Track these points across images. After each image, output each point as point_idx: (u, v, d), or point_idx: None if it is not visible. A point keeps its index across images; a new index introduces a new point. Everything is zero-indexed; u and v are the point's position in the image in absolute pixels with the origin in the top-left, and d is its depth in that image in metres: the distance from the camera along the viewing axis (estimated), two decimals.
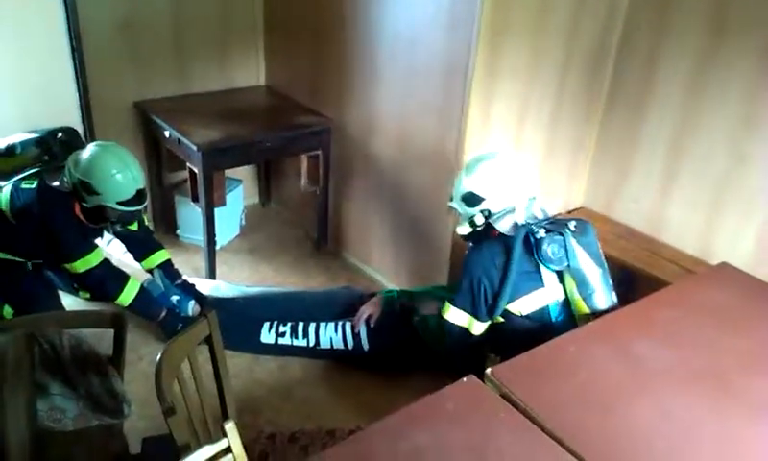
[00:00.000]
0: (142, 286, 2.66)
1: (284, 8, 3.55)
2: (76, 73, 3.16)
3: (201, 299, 2.85)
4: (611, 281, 2.18)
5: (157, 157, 3.53)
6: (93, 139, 3.26)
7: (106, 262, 2.58)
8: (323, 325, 2.72)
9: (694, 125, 2.74)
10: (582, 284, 2.09)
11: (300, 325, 2.75)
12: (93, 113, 3.26)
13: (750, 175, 2.60)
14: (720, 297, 2.03)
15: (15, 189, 2.53)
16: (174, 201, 3.62)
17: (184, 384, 1.53)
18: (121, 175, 2.45)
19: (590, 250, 2.13)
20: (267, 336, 2.75)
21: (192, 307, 2.78)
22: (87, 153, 2.47)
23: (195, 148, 2.96)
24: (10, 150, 2.66)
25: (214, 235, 3.22)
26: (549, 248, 2.06)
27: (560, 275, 2.14)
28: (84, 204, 2.48)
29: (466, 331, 2.18)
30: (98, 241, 2.67)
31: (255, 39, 3.71)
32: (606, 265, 2.18)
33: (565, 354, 1.69)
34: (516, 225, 2.12)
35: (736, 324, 1.88)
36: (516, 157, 2.23)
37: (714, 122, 2.67)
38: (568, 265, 2.09)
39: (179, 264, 3.39)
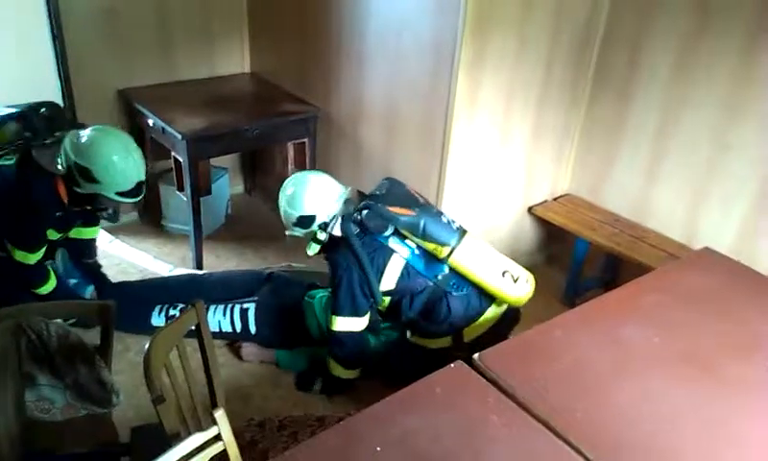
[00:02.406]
0: (57, 284, 2.66)
1: None
2: (57, 60, 3.11)
3: (102, 284, 2.90)
4: (435, 209, 2.41)
5: (142, 145, 3.42)
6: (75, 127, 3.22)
7: (39, 263, 2.56)
8: (212, 307, 2.74)
9: (679, 112, 2.76)
10: (413, 229, 2.29)
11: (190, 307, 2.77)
12: (76, 101, 3.22)
13: (733, 162, 2.63)
14: (703, 281, 2.06)
15: None
16: (159, 190, 3.60)
17: (173, 373, 1.53)
18: (124, 165, 2.36)
19: (401, 200, 2.34)
20: (157, 319, 2.77)
21: (90, 292, 2.85)
22: (89, 138, 2.36)
23: (180, 136, 2.93)
24: None
25: (200, 224, 3.20)
26: (370, 223, 2.29)
27: (401, 234, 2.35)
28: (78, 189, 2.41)
29: (353, 333, 2.39)
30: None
31: (240, 26, 3.68)
32: (420, 200, 2.38)
33: (552, 339, 1.70)
34: (342, 223, 2.34)
35: (719, 307, 1.92)
36: (318, 175, 2.46)
37: (699, 109, 2.69)
38: (396, 225, 2.31)
39: (165, 254, 3.39)
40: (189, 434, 1.34)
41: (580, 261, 3.10)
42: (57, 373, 1.78)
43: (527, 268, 3.34)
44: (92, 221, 2.88)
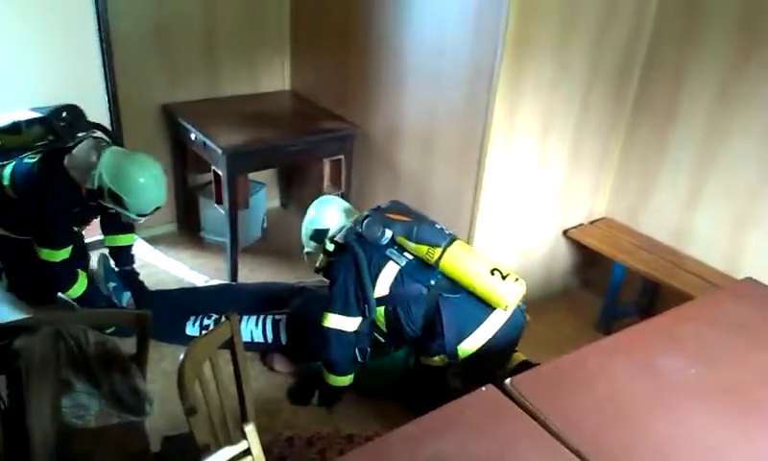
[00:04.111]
0: (88, 285, 2.79)
1: (311, 14, 3.58)
2: (105, 74, 3.22)
3: (139, 291, 3.00)
4: (430, 219, 2.47)
5: (183, 158, 3.58)
6: (122, 139, 3.32)
7: (66, 262, 2.71)
8: (245, 318, 2.78)
9: (721, 139, 2.71)
10: (408, 234, 2.37)
11: (224, 318, 2.79)
12: (122, 114, 3.32)
13: None
14: (745, 312, 1.99)
15: (18, 163, 2.64)
16: (198, 202, 3.67)
17: (205, 385, 1.55)
18: (152, 196, 2.63)
19: (400, 210, 2.47)
20: (192, 329, 2.82)
21: (127, 299, 2.93)
22: (125, 166, 2.59)
23: (220, 151, 2.99)
24: (15, 127, 2.68)
25: (237, 237, 3.25)
26: (369, 230, 2.38)
27: (399, 247, 2.42)
28: (102, 201, 2.63)
29: (342, 332, 2.44)
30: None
31: (282, 45, 3.75)
32: (417, 212, 2.50)
33: (586, 367, 1.67)
34: (345, 231, 2.47)
35: (761, 340, 1.85)
36: (334, 197, 2.70)
37: (743, 136, 2.64)
38: (392, 230, 2.39)
39: (201, 265, 3.45)
40: (219, 447, 1.35)
41: (616, 286, 3.04)
42: (93, 380, 1.82)
43: (562, 291, 3.35)
44: (127, 228, 2.99)
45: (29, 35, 3.06)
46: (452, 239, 2.36)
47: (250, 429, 1.35)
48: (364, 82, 3.27)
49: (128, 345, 1.94)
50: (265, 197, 3.89)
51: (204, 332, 2.77)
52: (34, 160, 2.63)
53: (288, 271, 3.46)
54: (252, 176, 3.59)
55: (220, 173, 3.11)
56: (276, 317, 2.78)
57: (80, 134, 2.72)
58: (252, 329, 2.75)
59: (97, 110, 3.23)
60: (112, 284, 2.97)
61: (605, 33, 2.76)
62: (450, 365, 2.35)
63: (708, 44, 2.69)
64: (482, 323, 2.34)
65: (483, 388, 1.55)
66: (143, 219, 2.73)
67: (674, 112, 2.87)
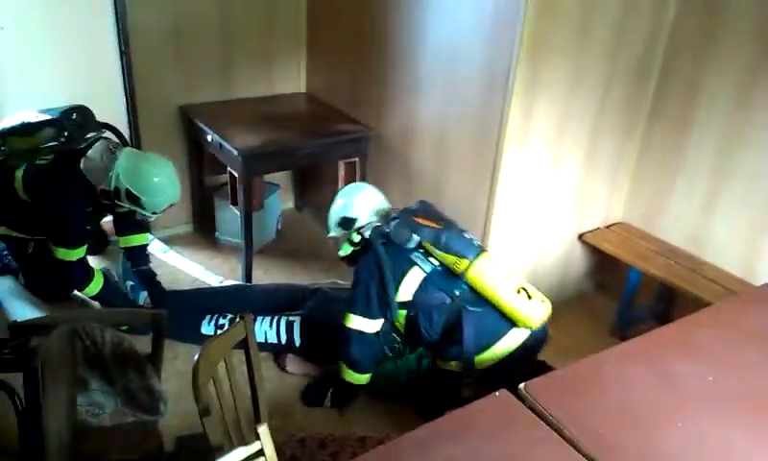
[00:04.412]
0: (104, 280, 2.83)
1: (327, 17, 3.60)
2: (123, 75, 3.26)
3: (156, 291, 3.03)
4: (458, 226, 2.46)
5: (199, 159, 3.60)
6: (139, 140, 3.36)
7: (81, 260, 2.74)
8: (259, 319, 2.78)
9: (739, 145, 2.68)
10: (436, 241, 2.36)
11: (238, 318, 2.80)
12: (139, 115, 3.36)
13: None
14: (763, 319, 1.96)
15: (30, 166, 2.66)
16: (214, 203, 3.69)
17: (219, 385, 1.56)
18: (167, 195, 2.71)
19: (428, 214, 2.45)
20: (207, 328, 2.83)
21: (143, 298, 2.97)
22: (141, 167, 2.66)
23: (236, 153, 3.01)
24: (26, 129, 2.70)
25: (251, 239, 3.26)
26: (397, 233, 2.38)
27: (426, 252, 2.41)
28: (118, 201, 2.67)
29: (364, 334, 2.44)
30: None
31: (298, 48, 3.76)
32: (447, 218, 2.48)
33: (601, 372, 1.66)
34: (371, 230, 2.47)
35: None
36: (371, 187, 2.64)
37: (760, 141, 2.61)
38: (420, 236, 2.37)
39: (216, 265, 3.47)
40: (233, 447, 1.36)
41: (632, 292, 3.01)
42: (109, 378, 1.83)
43: (576, 296, 3.33)
44: (141, 228, 3.04)
45: (48, 35, 3.11)
46: (480, 251, 2.34)
47: (263, 430, 1.35)
48: (379, 84, 3.28)
49: (143, 344, 1.95)
50: (280, 199, 3.91)
51: (219, 332, 2.79)
52: (46, 162, 2.66)
53: (302, 272, 3.47)
54: (266, 177, 3.60)
55: (236, 174, 3.13)
56: (291, 318, 2.78)
57: (90, 135, 2.76)
58: (266, 330, 2.76)
59: (115, 112, 3.28)
60: (130, 283, 3.02)
61: (622, 36, 2.74)
62: (465, 372, 2.34)
63: (725, 49, 2.66)
64: (503, 337, 2.34)
65: (496, 393, 1.54)
66: (155, 216, 2.80)
67: (691, 117, 2.84)
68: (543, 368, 2.34)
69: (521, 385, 1.56)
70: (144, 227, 3.07)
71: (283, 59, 3.74)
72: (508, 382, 1.60)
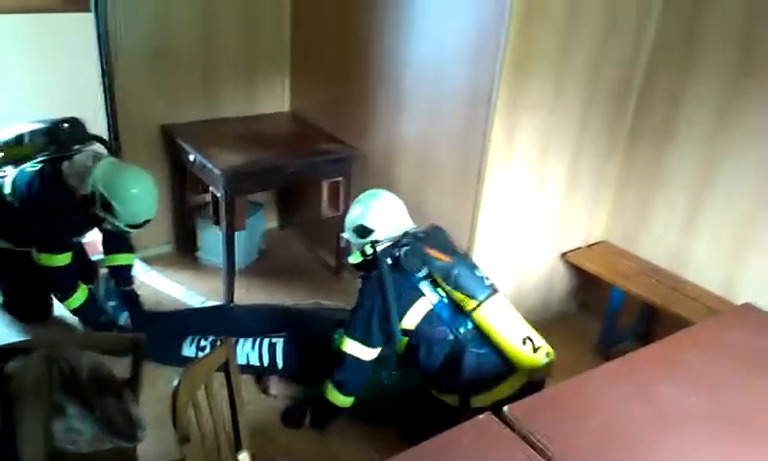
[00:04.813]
0: (89, 295, 2.80)
1: (311, 37, 3.61)
2: (105, 94, 3.24)
3: (137, 312, 2.99)
4: (471, 262, 2.42)
5: (181, 179, 3.58)
6: (120, 159, 3.31)
7: (66, 268, 2.71)
8: (241, 340, 2.74)
9: (719, 162, 2.72)
10: (446, 276, 2.30)
11: (221, 340, 2.78)
12: (121, 134, 3.33)
13: None
14: (744, 338, 1.98)
15: (20, 172, 2.69)
16: (195, 223, 3.66)
17: (199, 410, 1.53)
18: (141, 206, 2.64)
19: (441, 246, 2.37)
20: (188, 349, 2.79)
21: (124, 319, 2.93)
22: (118, 176, 2.62)
23: (218, 173, 2.99)
24: (19, 139, 2.77)
25: (234, 259, 3.24)
26: (406, 260, 2.32)
27: (434, 281, 2.36)
28: (93, 209, 2.63)
29: (359, 361, 2.39)
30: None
31: (282, 67, 3.77)
32: (459, 251, 2.42)
33: (585, 394, 1.66)
34: (380, 252, 2.40)
35: (761, 366, 1.84)
36: (394, 197, 2.55)
37: (739, 162, 2.65)
38: (430, 268, 2.33)
39: (198, 285, 3.43)
40: None
41: (614, 311, 3.03)
42: (86, 404, 1.79)
43: (559, 315, 3.33)
44: (126, 248, 3.02)
45: (30, 54, 3.08)
46: (491, 293, 2.30)
47: (243, 457, 1.33)
48: (362, 104, 3.29)
49: (121, 368, 1.91)
50: (262, 218, 3.89)
51: (200, 353, 2.76)
52: (34, 169, 2.68)
53: (285, 293, 3.44)
54: (250, 197, 3.58)
55: (218, 194, 3.10)
56: (273, 340, 2.75)
57: (79, 146, 2.79)
58: (248, 352, 2.73)
59: (97, 130, 3.23)
60: (111, 304, 2.97)
61: (602, 57, 2.78)
62: (461, 409, 2.31)
63: (705, 70, 2.70)
64: (502, 382, 2.31)
65: (480, 416, 1.53)
66: (134, 231, 2.74)
67: (671, 137, 2.88)
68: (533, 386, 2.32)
69: (505, 407, 1.56)
70: (130, 247, 3.05)
71: (267, 78, 3.74)
72: None
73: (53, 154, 2.76)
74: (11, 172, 2.74)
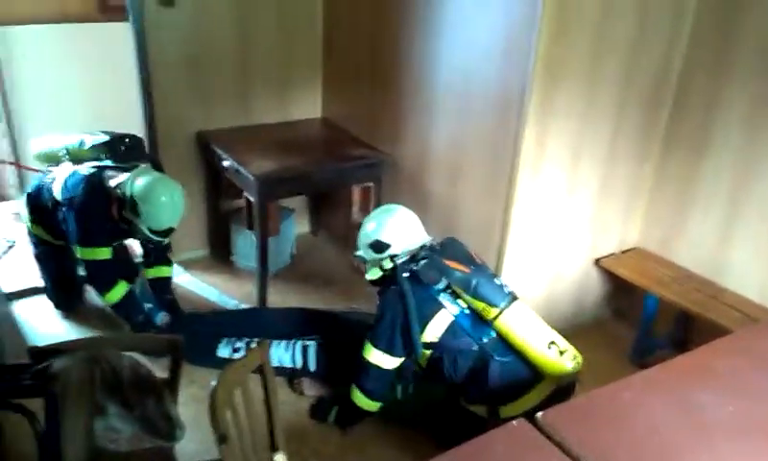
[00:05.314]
0: (128, 292, 2.89)
1: (343, 44, 3.65)
2: (144, 102, 3.32)
3: (173, 312, 3.09)
4: (490, 271, 2.42)
5: (216, 184, 3.64)
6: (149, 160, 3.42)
7: (106, 262, 2.83)
8: (275, 342, 2.79)
9: (756, 170, 2.67)
10: (466, 286, 2.30)
11: (255, 342, 2.85)
12: (159, 140, 3.41)
13: None
14: None
15: (72, 174, 2.84)
16: (230, 228, 3.72)
17: (236, 411, 1.56)
18: (167, 214, 2.74)
19: (458, 256, 2.38)
20: (223, 351, 2.85)
21: (161, 318, 3.00)
22: (148, 179, 2.73)
23: (252, 178, 3.04)
24: (81, 145, 2.98)
25: (267, 263, 3.28)
26: (425, 273, 2.33)
27: (453, 292, 2.37)
28: (123, 212, 2.75)
29: (382, 369, 2.42)
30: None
31: (314, 74, 3.81)
32: (477, 261, 2.40)
33: (620, 402, 1.64)
34: (398, 266, 2.41)
35: None
36: (408, 211, 2.55)
37: None
38: (449, 279, 2.33)
39: (232, 289, 3.49)
40: None
41: (649, 318, 2.99)
42: (126, 404, 1.83)
43: (593, 322, 3.30)
44: (167, 261, 3.13)
45: (75, 64, 3.20)
46: (511, 300, 2.29)
47: (279, 458, 1.35)
48: (394, 110, 3.31)
49: (160, 369, 1.96)
50: (295, 223, 3.93)
51: (235, 355, 2.81)
52: (84, 173, 2.83)
53: (316, 297, 3.47)
54: (282, 202, 3.63)
55: (252, 199, 3.15)
56: (306, 343, 2.79)
57: (133, 163, 2.90)
58: (281, 355, 2.77)
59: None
60: (148, 305, 3.04)
61: (635, 60, 2.75)
62: (492, 420, 2.30)
63: (741, 74, 2.66)
64: (531, 390, 2.30)
65: (514, 422, 1.53)
66: (156, 239, 2.82)
67: (707, 142, 2.83)
68: (563, 392, 2.31)
69: (539, 414, 1.55)
70: (168, 261, 3.16)
71: (300, 85, 3.79)
72: None
73: (105, 163, 2.91)
74: (63, 172, 2.89)
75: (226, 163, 3.28)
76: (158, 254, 3.09)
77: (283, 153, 3.33)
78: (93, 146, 2.94)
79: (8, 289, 3.18)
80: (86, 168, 2.86)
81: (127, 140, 2.98)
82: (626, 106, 2.83)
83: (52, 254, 3.09)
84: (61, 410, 1.56)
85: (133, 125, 3.33)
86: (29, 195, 3.03)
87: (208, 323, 3.08)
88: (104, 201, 2.78)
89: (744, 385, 1.74)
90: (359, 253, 2.57)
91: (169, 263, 3.17)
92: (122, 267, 3.01)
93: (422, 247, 2.45)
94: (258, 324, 3.05)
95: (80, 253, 2.82)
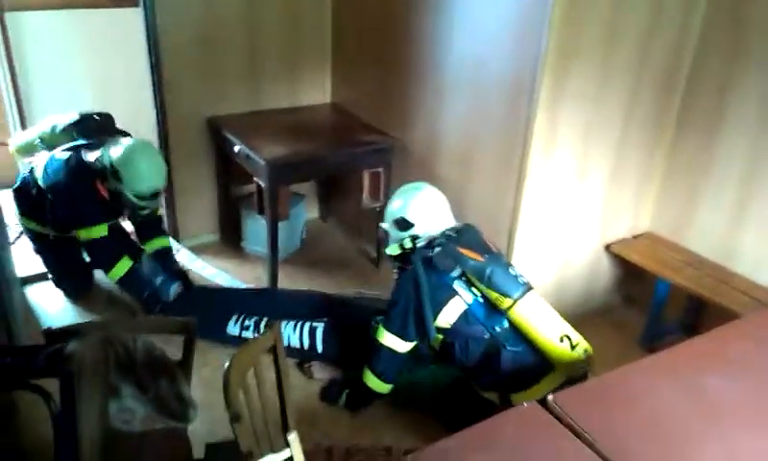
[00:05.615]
0: (132, 267, 2.92)
1: (352, 29, 3.63)
2: (154, 88, 3.32)
3: (186, 283, 3.13)
4: (504, 260, 2.41)
5: (226, 170, 3.65)
6: (168, 150, 3.42)
7: (105, 240, 2.87)
8: (283, 323, 2.80)
9: None
10: (480, 275, 2.30)
11: (264, 320, 2.89)
12: (168, 125, 3.42)
13: None
14: None
15: (50, 160, 2.86)
16: (240, 213, 3.74)
17: (248, 392, 1.57)
18: (147, 176, 2.79)
19: (474, 244, 2.36)
20: (232, 328, 2.88)
21: (174, 291, 3.01)
22: (126, 144, 2.78)
23: (263, 163, 3.05)
24: (53, 130, 2.99)
25: (277, 247, 3.30)
26: (439, 261, 2.32)
27: (468, 280, 2.36)
28: (107, 184, 2.80)
29: (395, 352, 2.43)
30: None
31: (323, 59, 3.81)
32: (493, 250, 2.39)
33: (630, 385, 1.64)
34: (413, 253, 2.40)
35: None
36: (437, 192, 2.53)
37: None
38: (463, 268, 2.32)
39: (242, 274, 3.51)
40: (261, 454, 1.37)
41: (660, 303, 2.98)
42: (140, 385, 1.86)
43: (603, 307, 3.30)
44: (160, 232, 3.20)
45: (85, 49, 3.20)
46: (525, 290, 2.29)
47: (293, 438, 1.37)
48: (403, 95, 3.29)
49: (173, 350, 1.98)
50: (305, 209, 3.94)
51: (243, 333, 2.85)
52: (63, 158, 2.85)
53: (326, 282, 3.49)
54: (292, 187, 3.63)
55: (262, 184, 3.16)
56: (314, 324, 2.81)
57: (105, 137, 2.93)
58: (289, 334, 2.79)
59: (146, 121, 3.36)
60: (160, 278, 3.04)
61: (648, 44, 2.72)
62: (503, 407, 2.31)
63: (754, 58, 2.63)
64: (541, 380, 2.31)
65: (524, 404, 1.54)
66: (144, 204, 2.86)
67: (719, 126, 2.81)
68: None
69: (550, 397, 1.55)
70: (163, 231, 3.22)
71: (309, 71, 3.78)
72: None
73: (80, 142, 2.93)
74: (42, 160, 2.92)
75: (236, 149, 3.28)
76: (152, 226, 3.15)
77: (293, 138, 3.33)
78: (64, 128, 2.97)
79: (21, 274, 3.22)
80: (63, 152, 2.89)
81: (96, 116, 3.02)
82: (639, 90, 2.81)
83: (50, 245, 3.12)
84: (77, 391, 1.57)
85: (143, 111, 3.34)
86: (15, 190, 3.05)
87: (219, 298, 3.12)
88: (87, 178, 2.82)
89: (754, 369, 1.74)
90: (385, 225, 2.59)
91: (165, 234, 3.23)
92: (122, 244, 3.05)
93: (442, 233, 2.45)
94: (268, 303, 3.08)
95: (77, 236, 2.86)
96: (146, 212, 3.01)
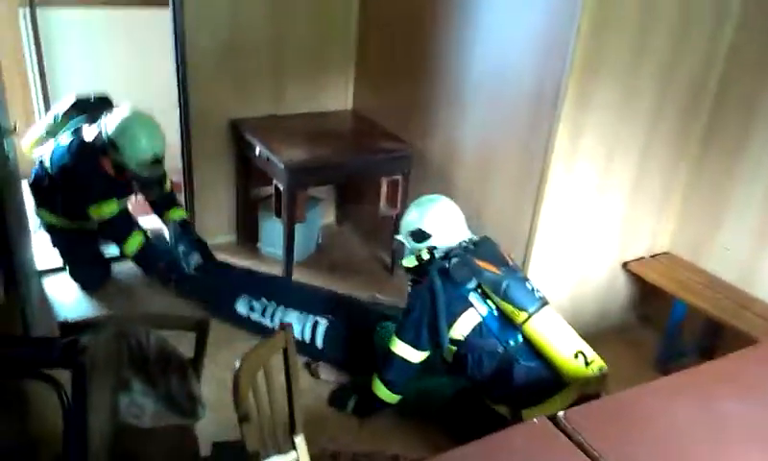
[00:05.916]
0: (146, 242, 2.99)
1: (376, 37, 3.64)
2: (179, 88, 3.36)
3: (207, 256, 3.19)
4: (521, 274, 2.39)
5: (246, 172, 3.68)
6: (190, 149, 3.46)
7: (118, 214, 2.94)
8: (289, 310, 2.84)
9: None
10: (496, 288, 2.28)
11: (272, 306, 2.92)
12: (192, 126, 3.45)
13: None
14: None
15: (55, 148, 2.95)
16: (258, 215, 3.76)
17: (258, 393, 1.58)
18: (144, 142, 2.84)
19: (490, 257, 2.36)
20: (241, 307, 2.94)
21: (196, 260, 3.08)
22: (122, 116, 2.83)
23: (282, 166, 3.07)
24: (56, 117, 3.11)
25: (293, 249, 3.31)
26: (456, 272, 2.31)
27: (483, 292, 2.34)
28: (107, 157, 2.85)
29: (407, 362, 2.42)
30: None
31: (346, 66, 3.82)
32: (510, 262, 2.38)
33: (644, 405, 1.61)
34: (431, 263, 2.40)
35: None
36: (453, 205, 2.53)
37: None
38: (479, 280, 2.31)
39: None
40: (268, 455, 1.37)
41: (676, 324, 2.94)
42: (151, 381, 1.87)
43: (618, 326, 3.26)
44: (174, 203, 3.28)
45: (113, 49, 3.25)
46: (541, 305, 2.27)
47: (299, 441, 1.36)
48: (424, 104, 3.30)
49: (185, 348, 1.99)
50: (321, 213, 3.95)
51: (251, 314, 2.92)
52: (67, 143, 2.93)
53: (340, 286, 3.48)
54: (309, 191, 3.65)
55: (281, 187, 3.18)
56: (318, 319, 2.83)
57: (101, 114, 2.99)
58: (292, 324, 2.79)
59: (170, 121, 3.38)
60: (182, 248, 3.11)
61: (676, 57, 2.69)
62: (514, 421, 2.28)
63: None
64: (554, 396, 2.28)
65: (534, 419, 1.52)
66: (147, 173, 2.91)
67: (745, 146, 2.77)
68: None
69: (560, 413, 1.53)
70: (176, 202, 3.29)
71: (332, 77, 3.80)
72: None
73: (79, 125, 2.99)
74: (47, 150, 3.00)
75: (256, 151, 3.31)
76: (167, 201, 3.22)
77: (313, 142, 3.35)
78: (65, 113, 3.05)
79: (39, 266, 3.26)
80: (64, 137, 2.96)
81: (92, 98, 3.10)
82: (664, 106, 2.77)
83: (66, 238, 3.18)
84: (88, 383, 1.59)
85: (169, 111, 3.37)
86: (30, 185, 3.13)
87: (233, 276, 3.19)
88: (91, 156, 2.87)
89: None
90: (400, 237, 2.58)
91: (179, 205, 3.29)
92: (135, 220, 3.12)
93: (459, 244, 2.43)
94: (279, 290, 3.10)
95: (90, 215, 2.92)
96: (151, 179, 3.04)
